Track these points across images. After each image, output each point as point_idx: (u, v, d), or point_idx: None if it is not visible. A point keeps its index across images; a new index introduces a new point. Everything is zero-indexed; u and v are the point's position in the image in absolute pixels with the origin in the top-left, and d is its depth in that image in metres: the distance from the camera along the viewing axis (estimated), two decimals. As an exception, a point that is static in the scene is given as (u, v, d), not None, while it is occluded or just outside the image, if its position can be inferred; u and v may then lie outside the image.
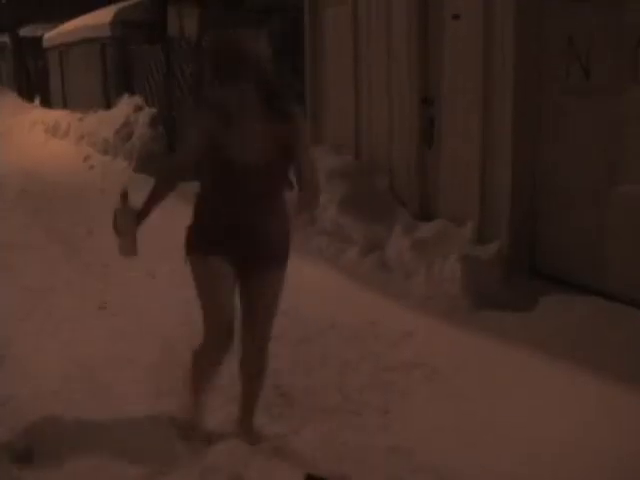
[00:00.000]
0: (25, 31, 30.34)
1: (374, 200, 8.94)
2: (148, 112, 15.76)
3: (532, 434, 4.82)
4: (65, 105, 24.15)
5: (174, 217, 9.67)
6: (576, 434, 4.79)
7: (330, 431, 4.96)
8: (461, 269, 7.16)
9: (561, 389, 5.38)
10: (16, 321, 7.13)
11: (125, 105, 16.89)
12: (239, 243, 4.37)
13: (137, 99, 16.66)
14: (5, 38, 33.26)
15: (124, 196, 4.34)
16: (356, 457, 4.64)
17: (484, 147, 7.72)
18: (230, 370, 4.74)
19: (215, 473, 4.43)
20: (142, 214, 4.34)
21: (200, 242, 4.43)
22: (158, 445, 4.72)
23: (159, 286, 8.00)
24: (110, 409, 5.29)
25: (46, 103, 26.52)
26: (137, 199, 4.30)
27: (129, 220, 4.34)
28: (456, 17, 8.14)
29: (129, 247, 4.40)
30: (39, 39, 27.27)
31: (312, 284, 7.63)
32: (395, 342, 6.41)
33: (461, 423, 5.04)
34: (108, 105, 18.61)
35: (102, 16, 20.20)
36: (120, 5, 19.75)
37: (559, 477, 4.40)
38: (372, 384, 5.66)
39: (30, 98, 27.95)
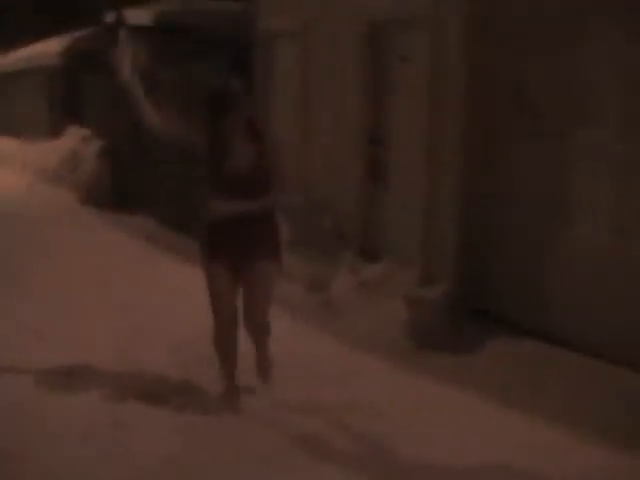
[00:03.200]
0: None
1: (319, 239, 8.91)
2: (95, 144, 15.61)
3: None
4: (9, 133, 23.84)
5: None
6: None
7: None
8: (405, 310, 7.14)
9: (486, 426, 5.52)
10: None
11: (72, 136, 16.73)
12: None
13: (84, 130, 16.50)
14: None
15: None
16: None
17: (430, 189, 7.73)
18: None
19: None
20: None
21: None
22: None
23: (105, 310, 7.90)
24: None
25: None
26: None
27: None
28: (405, 59, 8.20)
29: None
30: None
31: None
32: (337, 381, 6.35)
33: (398, 463, 5.03)
34: (55, 135, 18.40)
35: (51, 46, 20.06)
36: (70, 35, 19.63)
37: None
38: (312, 423, 5.60)
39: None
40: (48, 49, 19.99)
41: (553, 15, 6.64)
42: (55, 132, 18.39)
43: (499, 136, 7.15)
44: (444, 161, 7.54)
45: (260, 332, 5.87)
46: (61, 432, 5.47)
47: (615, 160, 6.18)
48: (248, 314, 5.76)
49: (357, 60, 8.80)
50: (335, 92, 9.27)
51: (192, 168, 6.17)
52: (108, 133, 14.99)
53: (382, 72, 8.55)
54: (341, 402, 5.94)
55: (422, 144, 7.79)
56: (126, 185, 13.91)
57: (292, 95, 10.16)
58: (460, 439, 5.36)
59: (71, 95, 18.39)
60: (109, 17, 16.17)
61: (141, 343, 7.08)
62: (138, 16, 15.12)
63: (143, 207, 12.96)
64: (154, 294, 8.52)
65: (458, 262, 7.48)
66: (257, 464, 5.00)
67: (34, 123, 21.42)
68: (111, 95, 14.96)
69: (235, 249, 5.66)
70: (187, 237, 9.98)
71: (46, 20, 25.86)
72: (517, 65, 6.92)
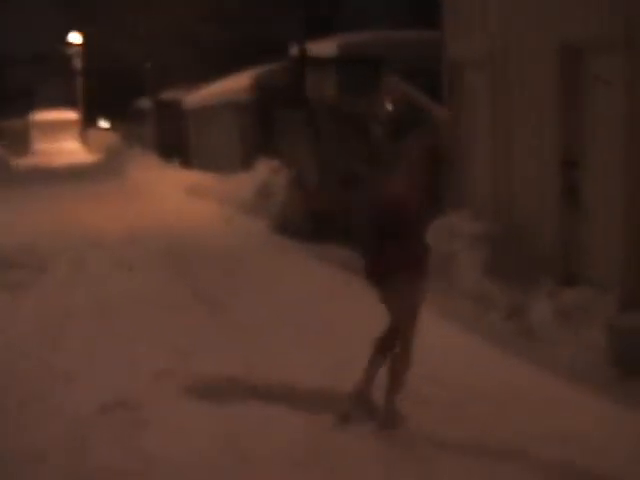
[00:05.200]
0: (166, 95, 31.33)
1: (516, 265, 8.86)
2: (286, 174, 16.00)
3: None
4: (204, 166, 24.75)
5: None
6: None
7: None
8: (607, 337, 6.99)
9: None
10: (161, 380, 7.28)
11: (263, 167, 17.20)
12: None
13: (275, 162, 16.94)
14: (147, 102, 34.42)
15: None
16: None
17: (630, 211, 7.57)
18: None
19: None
20: None
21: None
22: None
23: (302, 345, 8.05)
24: None
25: (185, 164, 27.23)
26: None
27: None
28: (599, 79, 8.09)
29: None
30: (179, 102, 28.11)
31: (453, 347, 7.59)
32: (539, 411, 6.28)
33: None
34: (246, 167, 18.98)
35: (241, 80, 20.72)
36: (258, 69, 20.23)
37: None
38: (515, 455, 5.56)
39: (170, 160, 28.75)
40: (238, 84, 20.66)
41: None
42: (248, 164, 18.96)
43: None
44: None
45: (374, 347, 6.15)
46: (270, 457, 5.68)
47: None
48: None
49: (550, 84, 8.73)
50: (529, 117, 9.21)
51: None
52: (298, 163, 15.31)
53: (576, 95, 8.45)
54: (547, 433, 5.86)
55: (620, 165, 7.64)
56: (318, 214, 14.18)
57: (484, 121, 10.15)
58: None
59: (262, 127, 18.92)
60: (294, 50, 16.60)
61: (348, 375, 7.18)
62: (323, 48, 15.44)
63: (337, 235, 13.17)
64: (358, 326, 8.54)
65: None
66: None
67: (228, 156, 22.18)
68: (300, 126, 15.28)
69: (371, 266, 6.08)
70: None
71: (236, 55, 26.74)
72: None
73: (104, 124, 53.29)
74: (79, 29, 49.20)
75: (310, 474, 5.43)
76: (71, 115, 58.61)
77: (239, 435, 6.05)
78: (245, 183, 17.46)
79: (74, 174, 32.34)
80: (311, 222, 14.18)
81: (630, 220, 7.59)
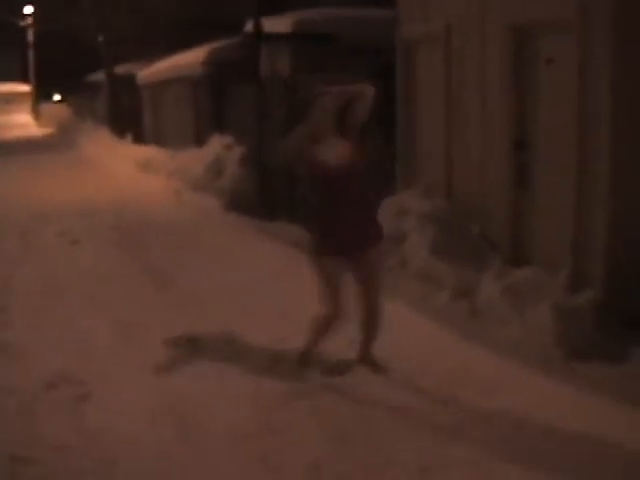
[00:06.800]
0: (120, 69, 31.03)
1: (465, 244, 8.87)
2: (238, 151, 15.93)
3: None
4: (157, 142, 24.56)
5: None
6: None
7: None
8: (553, 318, 7.03)
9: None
10: (106, 355, 7.24)
11: (216, 143, 17.10)
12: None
13: (228, 138, 16.85)
14: (101, 76, 34.06)
15: None
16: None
17: (579, 192, 7.60)
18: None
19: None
20: None
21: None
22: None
23: (250, 321, 8.02)
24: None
25: (138, 139, 27.00)
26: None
27: None
28: (550, 61, 8.10)
29: None
30: (133, 77, 27.83)
31: (401, 327, 7.58)
32: (484, 390, 6.31)
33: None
34: (199, 143, 18.86)
35: (195, 55, 20.55)
36: (213, 45, 20.07)
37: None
38: (458, 433, 5.57)
39: (122, 134, 28.52)
40: (193, 58, 20.49)
41: None
42: (200, 140, 18.84)
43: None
44: (593, 163, 7.40)
45: (371, 314, 6.39)
46: (217, 430, 5.65)
47: None
48: (360, 297, 6.37)
49: (500, 64, 8.73)
50: (478, 97, 9.22)
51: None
52: (251, 140, 15.23)
53: (526, 75, 8.46)
54: (490, 411, 5.91)
55: (570, 147, 7.66)
56: (270, 191, 14.14)
57: (435, 101, 10.14)
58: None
59: (215, 103, 18.80)
60: (248, 26, 16.48)
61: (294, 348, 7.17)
62: (277, 25, 15.33)
63: (288, 213, 13.15)
64: (303, 301, 8.52)
65: (609, 266, 7.32)
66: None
67: (181, 132, 22.02)
68: (253, 102, 15.20)
69: (345, 239, 6.18)
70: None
71: (191, 29, 26.53)
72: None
73: (57, 98, 52.74)
74: (31, 1, 48.50)
75: (259, 446, 5.43)
76: (24, 88, 57.86)
77: (185, 409, 6.04)
78: (197, 159, 17.36)
79: (25, 148, 31.92)
80: (262, 199, 14.15)
81: (579, 200, 7.62)
